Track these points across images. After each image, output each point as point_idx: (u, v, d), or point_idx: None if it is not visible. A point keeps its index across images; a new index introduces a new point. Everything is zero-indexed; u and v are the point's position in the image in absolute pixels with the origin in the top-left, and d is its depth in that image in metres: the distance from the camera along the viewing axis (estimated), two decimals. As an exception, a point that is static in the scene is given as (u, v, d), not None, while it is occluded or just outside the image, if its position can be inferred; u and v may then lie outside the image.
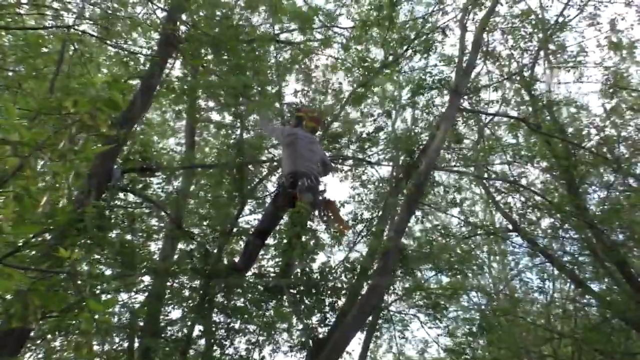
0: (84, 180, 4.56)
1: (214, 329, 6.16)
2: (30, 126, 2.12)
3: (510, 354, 9.39)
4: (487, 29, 8.36)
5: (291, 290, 6.26)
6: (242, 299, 6.52)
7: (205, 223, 6.93)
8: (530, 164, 9.16)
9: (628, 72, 9.63)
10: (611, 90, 9.33)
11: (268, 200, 7.31)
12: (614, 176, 9.18)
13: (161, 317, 6.31)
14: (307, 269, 6.53)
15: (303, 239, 5.18)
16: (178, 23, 6.42)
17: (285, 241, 5.92)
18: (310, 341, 5.97)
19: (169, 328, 6.26)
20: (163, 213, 6.65)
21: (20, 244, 3.07)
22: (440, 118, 7.63)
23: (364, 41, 8.21)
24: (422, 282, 8.25)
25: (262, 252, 6.40)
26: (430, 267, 7.72)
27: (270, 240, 6.56)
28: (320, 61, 8.66)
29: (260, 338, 6.49)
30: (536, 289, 10.35)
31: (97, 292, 5.10)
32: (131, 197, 7.11)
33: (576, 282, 9.17)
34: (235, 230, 6.82)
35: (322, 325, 6.50)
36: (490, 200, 10.49)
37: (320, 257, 8.34)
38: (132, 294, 6.35)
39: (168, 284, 6.33)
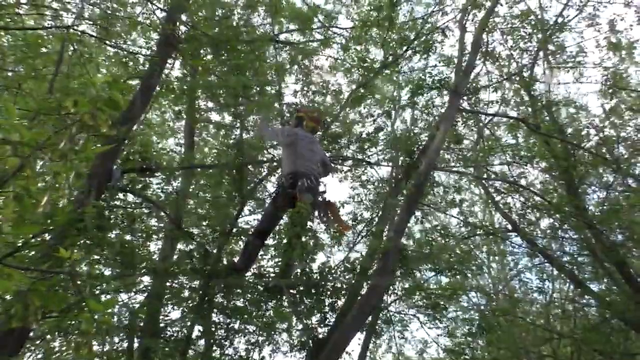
0: (84, 181, 4.56)
1: (213, 329, 6.16)
2: (30, 126, 2.12)
3: (509, 354, 9.40)
4: (486, 29, 8.36)
5: (291, 291, 6.26)
6: (241, 299, 6.52)
7: (204, 223, 6.92)
8: (529, 164, 9.17)
9: (627, 72, 9.64)
10: (610, 91, 9.33)
11: (268, 200, 7.31)
12: (613, 177, 9.19)
13: (161, 317, 6.31)
14: (307, 269, 6.53)
15: (303, 239, 5.18)
16: (178, 23, 6.41)
17: (285, 241, 5.93)
18: (310, 341, 5.96)
19: (168, 328, 6.26)
20: (162, 213, 6.64)
21: (20, 244, 3.07)
22: (440, 118, 7.63)
23: (363, 41, 8.20)
24: (422, 282, 8.24)
25: (261, 252, 6.40)
26: (430, 268, 7.72)
27: (270, 241, 6.57)
28: (320, 61, 8.66)
29: (260, 338, 6.49)
30: (535, 289, 10.36)
31: (97, 292, 5.09)
32: (131, 198, 7.11)
33: (575, 283, 9.18)
34: (234, 230, 6.82)
35: (321, 325, 6.50)
36: (489, 201, 10.50)
37: (320, 257, 8.35)
38: (132, 294, 6.34)
39: (167, 284, 6.33)
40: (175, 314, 6.54)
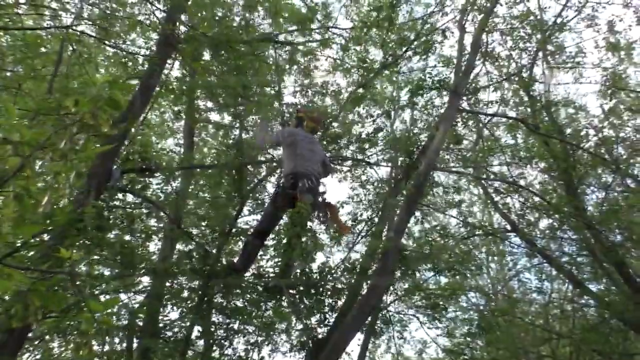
0: (84, 181, 4.56)
1: (212, 329, 6.15)
2: (30, 126, 2.12)
3: (508, 354, 9.40)
4: (486, 29, 8.36)
5: (291, 291, 6.25)
6: (241, 300, 6.52)
7: (204, 223, 6.92)
8: (529, 164, 9.18)
9: (626, 73, 9.65)
10: (609, 91, 9.34)
11: (267, 200, 7.31)
12: (612, 177, 9.20)
13: (160, 317, 6.30)
14: (307, 269, 6.53)
15: (303, 239, 5.18)
16: (177, 23, 6.40)
17: (284, 242, 5.92)
18: (310, 341, 5.96)
19: (167, 328, 6.25)
20: (162, 213, 6.64)
21: (19, 245, 3.06)
22: (440, 119, 7.64)
23: (362, 42, 8.20)
24: (421, 282, 8.25)
25: (261, 252, 6.40)
26: (430, 268, 7.72)
27: (269, 241, 6.56)
28: (320, 62, 8.65)
29: (259, 339, 6.48)
30: (534, 290, 10.37)
31: (97, 292, 5.09)
32: (130, 198, 7.10)
33: (574, 283, 9.19)
34: (234, 230, 6.81)
35: (321, 325, 6.50)
36: (489, 201, 10.51)
37: (320, 258, 8.35)
38: (132, 294, 6.34)
39: (167, 284, 6.32)
40: (175, 314, 6.54)
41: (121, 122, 5.00)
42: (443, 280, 9.04)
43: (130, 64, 7.41)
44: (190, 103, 7.91)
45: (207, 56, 7.52)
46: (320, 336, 6.27)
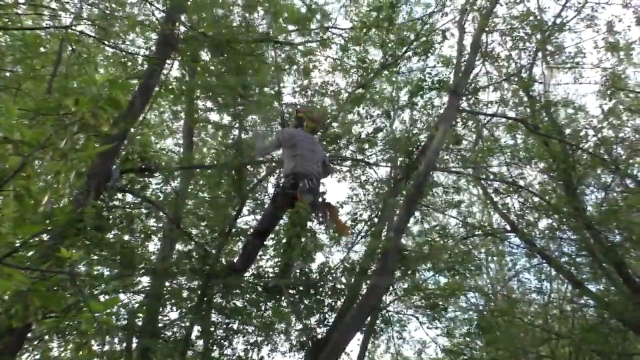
0: (84, 180, 4.55)
1: (212, 329, 6.15)
2: (30, 125, 2.12)
3: (508, 355, 9.40)
4: (486, 30, 8.37)
5: (290, 291, 6.25)
6: (240, 300, 6.52)
7: (203, 223, 6.91)
8: (528, 165, 9.19)
9: (625, 73, 9.66)
10: (609, 92, 9.35)
11: (267, 200, 7.31)
12: (611, 177, 9.21)
13: (160, 317, 6.30)
14: (307, 269, 6.53)
15: (303, 239, 5.18)
16: (177, 23, 6.40)
17: (284, 241, 5.92)
18: (309, 341, 5.96)
19: (167, 328, 6.24)
20: (161, 213, 6.63)
21: (19, 245, 3.06)
22: (439, 119, 7.64)
23: (362, 42, 8.20)
24: (421, 282, 8.25)
25: (260, 252, 6.40)
26: (429, 268, 7.73)
27: (269, 241, 6.56)
28: (319, 62, 8.64)
29: (259, 338, 6.48)
30: (534, 290, 10.38)
31: (96, 292, 5.08)
32: (129, 198, 7.10)
33: (574, 283, 9.19)
34: (234, 230, 6.81)
35: (320, 325, 6.50)
36: (488, 201, 10.51)
37: (319, 258, 8.35)
38: (131, 294, 6.33)
39: (167, 284, 6.32)
40: (175, 314, 6.53)
41: (121, 121, 5.00)
42: (442, 280, 9.05)
43: (129, 64, 7.41)
44: (189, 103, 7.90)
45: (206, 56, 7.52)
46: (319, 336, 6.27)
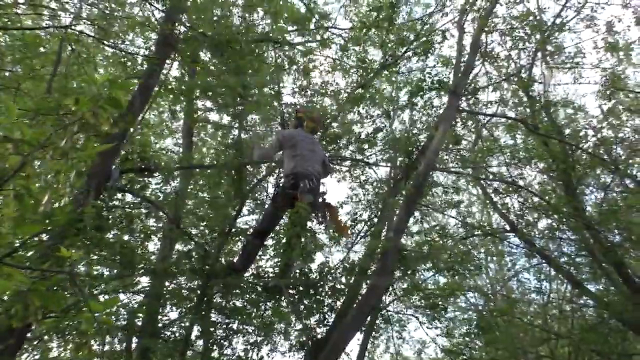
0: (84, 180, 4.55)
1: (212, 329, 6.14)
2: (30, 125, 2.11)
3: (507, 355, 9.40)
4: (485, 30, 8.37)
5: (290, 291, 6.25)
6: (240, 299, 6.51)
7: (203, 223, 6.91)
8: (528, 165, 9.19)
9: (625, 73, 9.67)
10: (608, 92, 9.36)
11: (267, 200, 7.31)
12: (611, 177, 9.22)
13: (159, 317, 6.29)
14: (306, 269, 6.53)
15: (302, 239, 5.17)
16: (176, 23, 6.40)
17: (284, 241, 5.91)
18: (309, 341, 5.96)
19: (167, 328, 6.24)
20: (161, 213, 6.63)
21: (18, 244, 3.05)
22: (439, 119, 7.64)
23: (362, 42, 8.20)
24: (420, 282, 8.25)
25: (260, 252, 6.40)
26: (429, 268, 7.73)
27: (269, 241, 6.56)
28: (319, 63, 8.65)
29: (259, 338, 6.47)
30: (533, 290, 10.38)
31: (96, 292, 5.08)
32: (129, 198, 7.09)
33: (573, 283, 9.20)
34: (233, 230, 6.81)
35: (320, 325, 6.50)
36: (487, 201, 10.52)
37: (319, 257, 8.34)
38: (131, 294, 6.32)
39: (166, 284, 6.31)
40: (174, 314, 6.53)
41: (121, 121, 4.99)
42: (442, 280, 9.05)
43: (129, 64, 7.41)
44: (189, 103, 7.90)
45: (206, 57, 7.51)
46: (319, 336, 6.26)
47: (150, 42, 7.73)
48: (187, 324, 6.11)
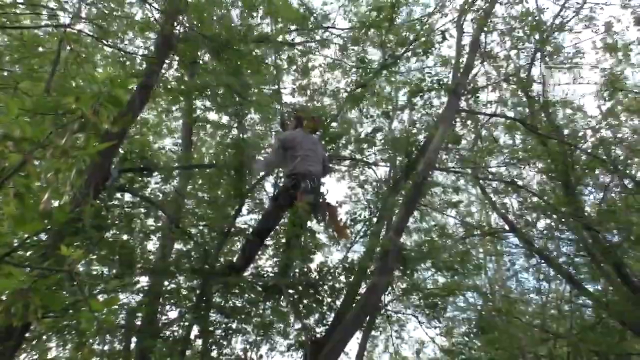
0: (84, 179, 4.54)
1: (211, 328, 6.13)
2: (31, 124, 2.10)
3: (506, 355, 9.40)
4: (484, 29, 8.37)
5: (289, 290, 6.24)
6: (239, 299, 6.50)
7: (203, 223, 6.91)
8: (527, 165, 9.20)
9: (624, 74, 9.68)
10: (607, 92, 9.37)
11: (266, 200, 7.30)
12: (610, 177, 9.22)
13: (159, 317, 6.28)
14: (306, 269, 6.52)
15: (302, 239, 5.18)
16: (175, 23, 6.39)
17: (284, 241, 5.91)
18: (309, 341, 5.95)
19: (167, 327, 6.23)
20: (160, 212, 6.62)
21: (17, 244, 3.04)
22: (438, 119, 7.64)
23: (361, 42, 8.21)
24: (420, 282, 8.24)
25: (260, 251, 6.39)
26: (428, 267, 7.72)
27: (268, 240, 6.55)
28: (318, 62, 8.65)
29: (258, 338, 6.47)
30: (532, 290, 10.40)
31: (96, 292, 5.06)
32: (128, 197, 7.08)
33: (572, 283, 9.20)
34: (233, 230, 6.80)
35: (319, 325, 6.49)
36: (487, 201, 10.52)
37: (319, 257, 8.33)
38: (130, 294, 6.31)
39: (165, 283, 6.30)
40: (174, 314, 6.52)
41: (120, 120, 4.98)
42: (441, 280, 9.05)
43: (128, 63, 7.39)
44: (188, 102, 7.89)
45: (205, 57, 7.51)
46: (318, 335, 6.25)
47: (150, 41, 7.72)
48: (187, 323, 6.11)
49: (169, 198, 7.02)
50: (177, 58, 7.28)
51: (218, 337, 6.26)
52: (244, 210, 7.20)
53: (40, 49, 6.59)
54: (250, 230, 6.51)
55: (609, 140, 9.34)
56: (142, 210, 6.79)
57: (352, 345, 7.94)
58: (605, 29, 9.51)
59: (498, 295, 11.88)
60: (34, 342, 5.85)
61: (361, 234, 7.49)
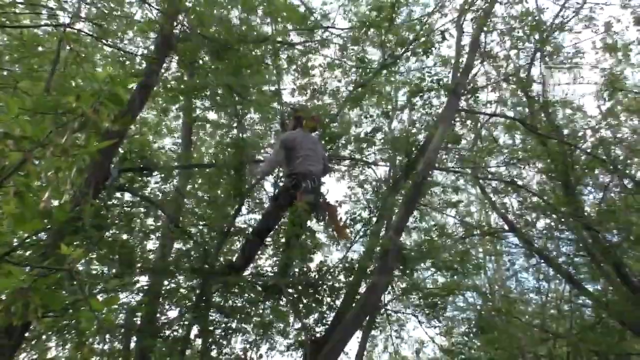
0: (85, 178, 4.54)
1: (211, 328, 6.13)
2: (31, 123, 2.10)
3: (506, 354, 9.41)
4: (484, 29, 8.37)
5: (289, 290, 6.24)
6: (239, 298, 6.50)
7: (202, 222, 6.91)
8: (527, 165, 9.20)
9: (623, 74, 9.69)
10: (607, 92, 9.37)
11: (266, 199, 7.30)
12: (609, 177, 9.23)
13: (158, 316, 6.28)
14: (305, 269, 6.52)
15: (302, 239, 5.18)
16: (175, 23, 6.39)
17: (283, 241, 5.90)
18: (308, 341, 5.95)
19: (166, 327, 6.23)
20: (160, 212, 6.62)
21: (17, 243, 3.03)
22: (438, 119, 7.64)
23: (361, 42, 8.20)
24: (419, 282, 8.24)
25: (259, 251, 6.39)
26: (428, 267, 7.72)
27: (268, 240, 6.55)
28: (317, 61, 8.66)
29: (257, 337, 6.46)
30: (532, 289, 10.40)
31: (95, 291, 5.05)
32: (127, 197, 7.08)
33: (572, 283, 9.21)
34: (232, 229, 6.80)
35: (319, 324, 6.49)
36: (486, 201, 10.53)
37: (318, 257, 8.33)
38: (130, 293, 6.31)
39: (165, 282, 6.30)
40: (173, 313, 6.51)
41: (120, 119, 4.97)
42: (441, 279, 9.05)
43: (128, 63, 7.39)
44: (188, 102, 7.89)
45: (204, 58, 7.50)
46: (318, 335, 6.25)
47: (149, 41, 7.72)
48: (186, 322, 6.10)
49: (168, 198, 7.02)
50: (176, 58, 7.28)
51: (218, 336, 6.25)
52: (244, 209, 7.21)
53: (40, 48, 6.58)
54: (250, 229, 6.51)
55: (608, 140, 9.34)
56: (142, 209, 6.79)
57: (352, 345, 7.94)
58: (605, 29, 9.52)
59: (498, 295, 11.89)
60: (33, 342, 5.84)
61: (361, 233, 7.49)
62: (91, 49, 7.51)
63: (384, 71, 7.93)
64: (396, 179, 7.61)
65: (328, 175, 6.12)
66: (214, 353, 6.16)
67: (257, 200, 7.50)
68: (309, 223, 5.90)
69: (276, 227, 6.16)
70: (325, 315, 6.56)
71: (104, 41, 6.69)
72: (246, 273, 6.32)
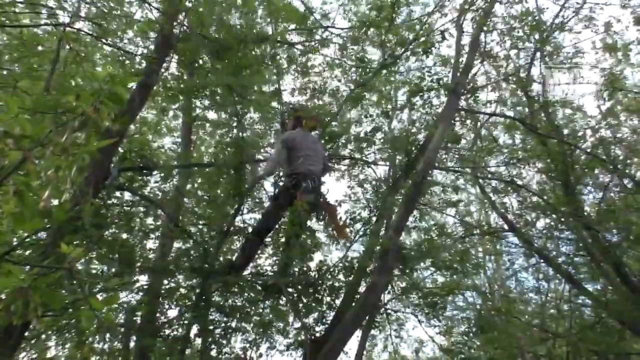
0: (85, 177, 4.54)
1: (211, 327, 6.13)
2: (31, 122, 2.10)
3: (505, 354, 9.41)
4: (484, 29, 8.37)
5: (289, 289, 6.24)
6: (239, 298, 6.50)
7: (202, 222, 6.90)
8: (527, 165, 9.20)
9: (623, 74, 9.69)
10: (607, 92, 9.38)
11: (266, 199, 7.30)
12: (609, 177, 9.24)
13: (158, 315, 6.28)
14: (305, 268, 6.52)
15: (302, 238, 5.18)
16: (175, 23, 6.39)
17: (283, 241, 5.90)
18: (308, 340, 5.95)
19: (166, 327, 6.23)
20: (160, 211, 6.62)
21: (16, 242, 3.04)
22: (438, 118, 7.64)
23: (361, 41, 8.21)
24: (419, 281, 8.25)
25: (259, 250, 6.39)
26: (428, 267, 7.72)
27: (268, 239, 6.55)
28: (317, 61, 8.65)
29: (257, 337, 6.46)
30: (532, 289, 10.41)
31: (95, 290, 5.06)
32: (127, 196, 7.08)
33: (571, 283, 9.21)
34: (232, 229, 6.80)
35: (319, 324, 6.49)
36: (486, 201, 10.53)
37: (318, 256, 8.33)
38: (130, 293, 6.31)
39: (165, 282, 6.30)
40: (173, 313, 6.51)
41: (120, 118, 4.97)
42: (440, 279, 9.05)
43: (127, 62, 7.39)
44: (188, 101, 7.89)
45: (204, 58, 7.50)
46: (318, 334, 6.25)
47: (149, 41, 7.71)
48: (186, 322, 6.10)
49: (168, 197, 7.01)
50: (176, 57, 7.28)
51: (217, 336, 6.25)
52: (244, 209, 7.20)
53: (40, 47, 6.58)
54: (250, 229, 6.51)
55: (608, 140, 9.35)
56: (142, 209, 6.79)
57: (352, 344, 7.94)
58: (605, 29, 9.53)
59: (497, 295, 11.89)
60: (33, 341, 5.85)
61: (361, 233, 7.49)
62: (91, 49, 7.51)
63: (384, 71, 7.93)
64: (396, 179, 7.61)
65: (328, 174, 6.12)
66: (213, 352, 6.15)
67: (257, 200, 7.49)
68: (309, 223, 5.91)
69: (276, 226, 6.16)
70: (325, 315, 6.56)
71: (103, 41, 6.69)
72: (246, 272, 6.32)
